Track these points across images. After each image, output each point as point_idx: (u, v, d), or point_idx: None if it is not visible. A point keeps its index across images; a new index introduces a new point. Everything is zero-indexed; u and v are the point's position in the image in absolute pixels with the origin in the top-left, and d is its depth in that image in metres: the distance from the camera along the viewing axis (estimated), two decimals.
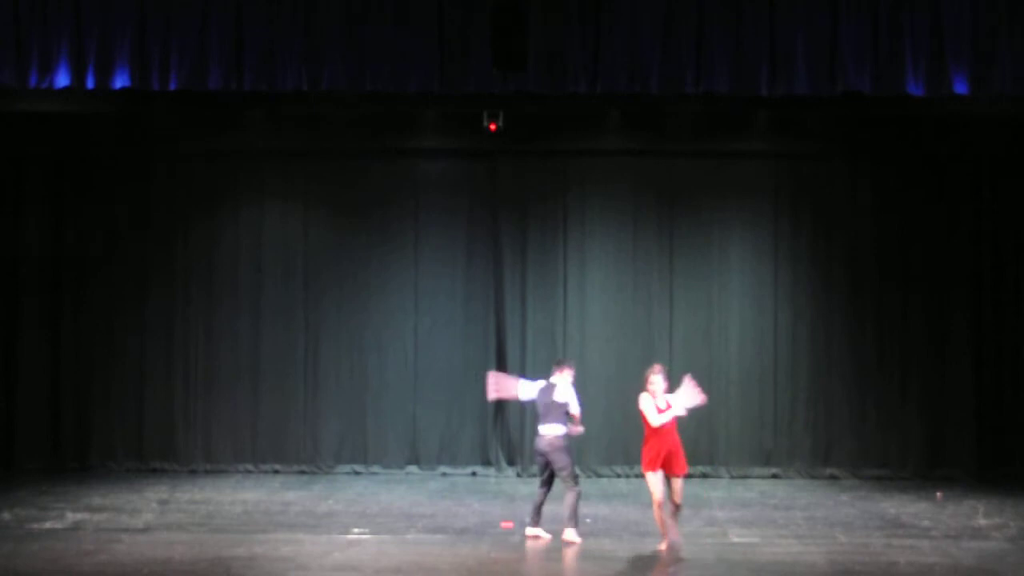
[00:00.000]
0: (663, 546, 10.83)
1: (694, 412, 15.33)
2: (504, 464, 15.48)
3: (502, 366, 15.46)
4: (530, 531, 11.33)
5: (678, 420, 10.97)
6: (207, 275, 15.68)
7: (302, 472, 15.42)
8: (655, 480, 10.78)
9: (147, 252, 15.65)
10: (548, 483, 11.33)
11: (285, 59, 12.33)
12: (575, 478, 11.19)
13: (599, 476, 15.34)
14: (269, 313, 15.64)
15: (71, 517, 12.14)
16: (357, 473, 15.45)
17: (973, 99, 12.37)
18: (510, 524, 12.02)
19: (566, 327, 15.62)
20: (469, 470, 15.49)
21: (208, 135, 15.48)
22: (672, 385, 11.04)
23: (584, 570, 10.12)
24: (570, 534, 11.05)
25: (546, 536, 11.24)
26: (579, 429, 11.44)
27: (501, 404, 15.51)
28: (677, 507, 10.94)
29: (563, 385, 11.34)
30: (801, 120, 15.32)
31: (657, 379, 10.83)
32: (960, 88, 12.20)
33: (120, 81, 12.31)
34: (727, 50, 12.27)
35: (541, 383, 11.50)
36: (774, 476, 15.35)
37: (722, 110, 14.41)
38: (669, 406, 10.81)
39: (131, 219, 15.66)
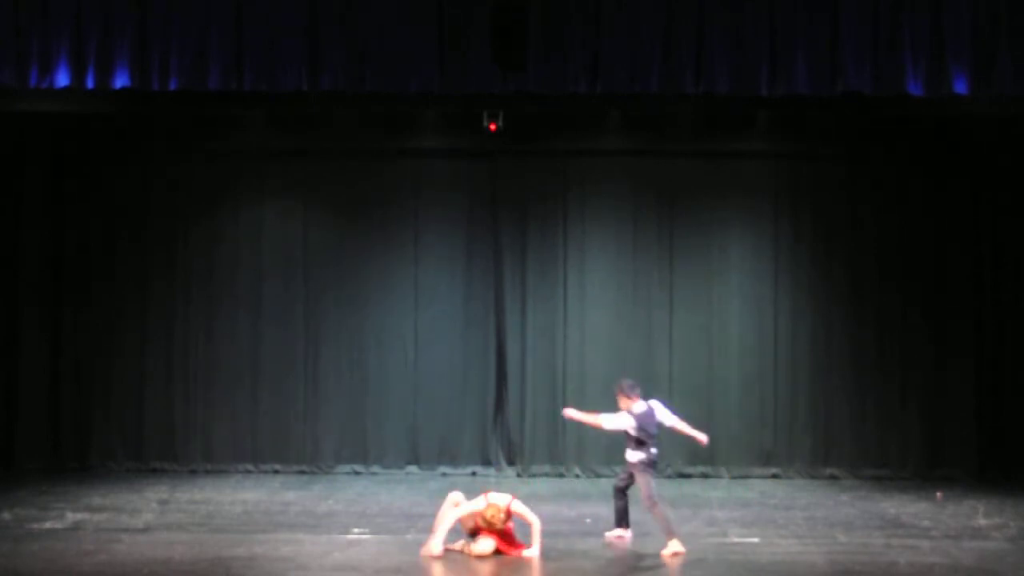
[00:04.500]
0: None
1: (694, 412, 15.50)
2: (504, 464, 15.48)
3: (502, 366, 15.48)
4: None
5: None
6: (207, 275, 15.68)
7: (302, 472, 15.42)
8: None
9: (147, 252, 15.65)
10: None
11: (285, 59, 12.33)
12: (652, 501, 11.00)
13: (599, 476, 15.31)
14: (269, 313, 15.64)
15: (71, 517, 12.13)
16: (357, 473, 15.46)
17: (973, 99, 12.37)
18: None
19: (566, 327, 15.61)
20: (469, 470, 15.48)
21: (208, 135, 15.49)
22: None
23: (584, 570, 10.12)
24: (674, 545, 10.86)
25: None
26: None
27: (501, 404, 15.54)
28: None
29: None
30: (801, 120, 15.32)
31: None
32: (960, 88, 12.20)
33: (120, 81, 12.32)
34: (727, 50, 12.28)
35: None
36: (774, 476, 15.36)
37: (722, 110, 14.42)
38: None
39: (131, 219, 15.66)
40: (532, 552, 10.45)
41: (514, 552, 10.43)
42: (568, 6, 12.33)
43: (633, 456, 10.95)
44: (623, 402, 11.02)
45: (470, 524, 10.57)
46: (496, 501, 10.45)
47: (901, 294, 15.55)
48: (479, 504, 10.47)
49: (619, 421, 10.94)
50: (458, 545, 10.53)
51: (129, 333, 15.59)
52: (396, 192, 15.74)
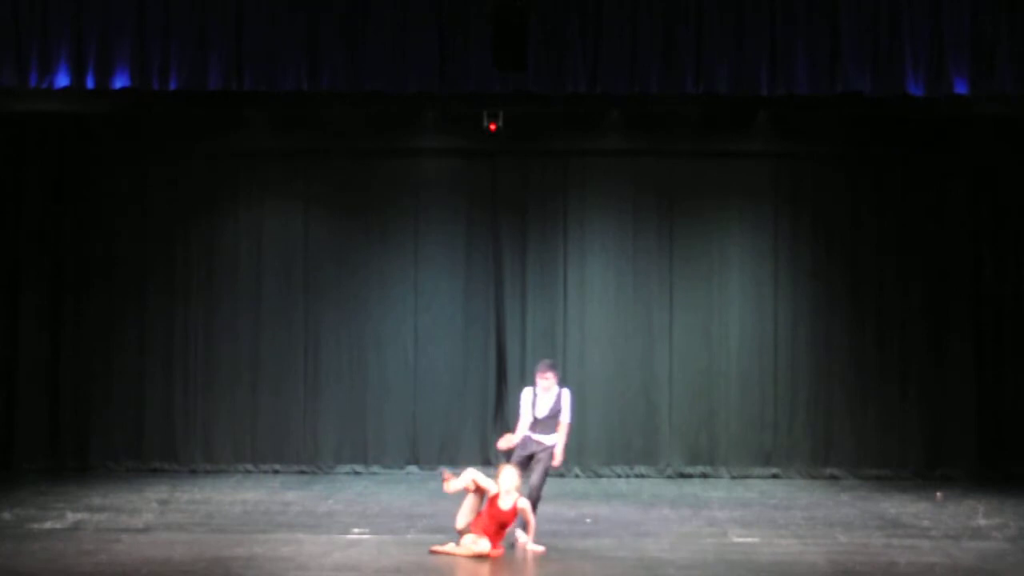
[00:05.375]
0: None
1: (694, 411, 15.53)
2: (504, 464, 15.44)
3: (502, 366, 15.47)
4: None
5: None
6: (207, 275, 15.68)
7: (302, 472, 15.42)
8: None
9: (147, 252, 15.65)
10: None
11: (285, 59, 12.33)
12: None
13: (599, 476, 15.34)
14: (269, 313, 15.64)
15: (71, 517, 12.13)
16: (357, 473, 15.46)
17: (973, 99, 12.37)
18: None
19: (566, 327, 15.61)
20: None
21: (208, 135, 15.49)
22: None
23: (584, 570, 10.11)
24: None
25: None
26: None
27: (501, 404, 15.53)
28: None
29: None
30: (801, 120, 15.32)
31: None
32: (960, 88, 12.20)
33: (120, 81, 12.31)
34: (727, 50, 12.27)
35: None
36: (774, 476, 15.36)
37: (722, 110, 14.42)
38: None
39: (131, 219, 15.66)
40: (524, 538, 10.63)
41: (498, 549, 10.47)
42: (568, 6, 12.33)
43: (551, 439, 11.06)
44: (554, 381, 11.14)
45: (475, 506, 10.59)
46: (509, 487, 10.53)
47: (901, 294, 15.55)
48: (492, 488, 10.49)
49: (568, 401, 11.20)
50: (449, 547, 10.54)
51: (129, 333, 15.59)
52: (396, 192, 15.74)
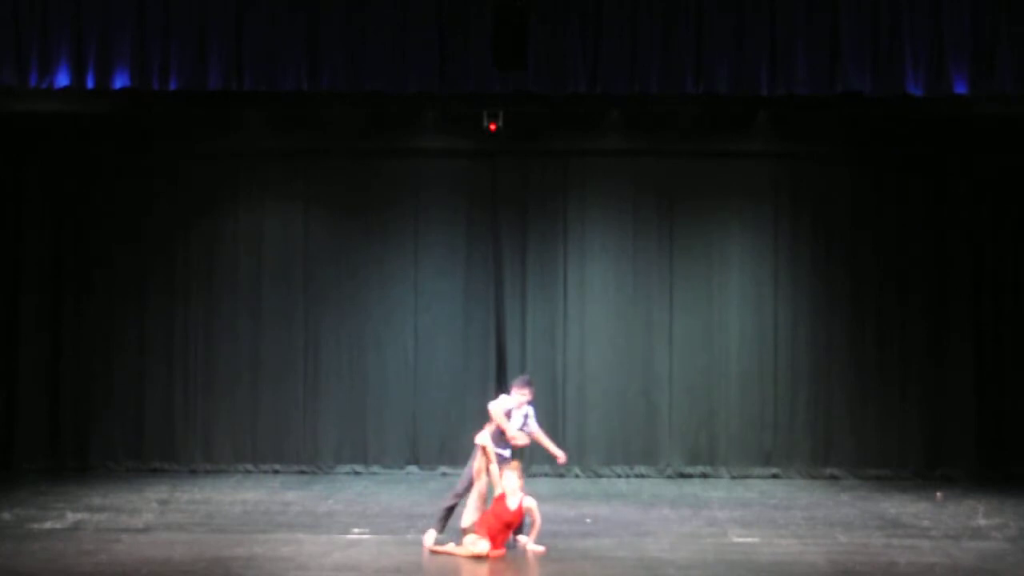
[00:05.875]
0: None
1: (694, 411, 15.53)
2: None
3: (502, 366, 15.45)
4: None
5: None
6: (207, 275, 15.68)
7: (302, 472, 15.42)
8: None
9: (147, 252, 15.65)
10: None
11: (285, 59, 12.33)
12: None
13: (599, 476, 15.34)
14: (269, 313, 15.64)
15: (71, 517, 12.13)
16: (357, 473, 15.46)
17: (973, 99, 12.37)
18: None
19: (566, 327, 15.61)
20: None
21: (208, 135, 15.48)
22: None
23: (584, 570, 10.11)
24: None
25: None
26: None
27: None
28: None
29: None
30: (801, 120, 15.31)
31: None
32: (960, 88, 12.21)
33: (120, 81, 12.32)
34: (727, 50, 12.28)
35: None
36: (774, 476, 15.36)
37: (722, 110, 14.42)
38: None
39: (131, 219, 15.65)
40: (525, 538, 10.64)
41: (499, 549, 10.45)
42: (568, 6, 12.33)
43: (507, 452, 11.07)
44: (528, 399, 11.14)
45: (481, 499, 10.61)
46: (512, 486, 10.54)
47: (901, 294, 15.55)
48: (496, 482, 10.47)
49: (533, 418, 11.28)
50: (449, 547, 10.54)
51: (129, 333, 15.59)
52: (396, 192, 15.74)
